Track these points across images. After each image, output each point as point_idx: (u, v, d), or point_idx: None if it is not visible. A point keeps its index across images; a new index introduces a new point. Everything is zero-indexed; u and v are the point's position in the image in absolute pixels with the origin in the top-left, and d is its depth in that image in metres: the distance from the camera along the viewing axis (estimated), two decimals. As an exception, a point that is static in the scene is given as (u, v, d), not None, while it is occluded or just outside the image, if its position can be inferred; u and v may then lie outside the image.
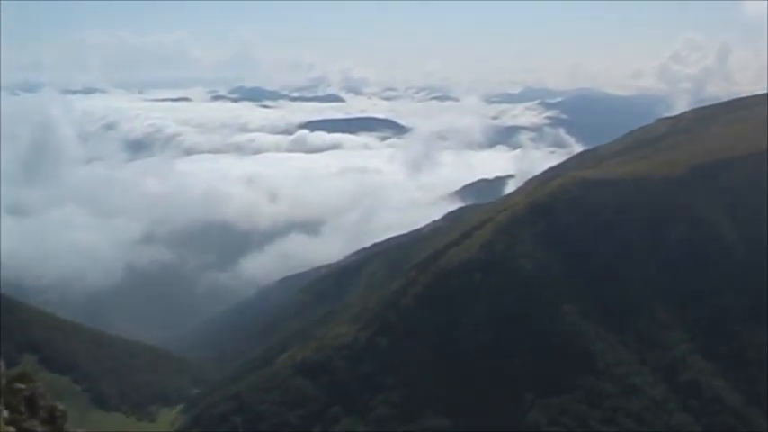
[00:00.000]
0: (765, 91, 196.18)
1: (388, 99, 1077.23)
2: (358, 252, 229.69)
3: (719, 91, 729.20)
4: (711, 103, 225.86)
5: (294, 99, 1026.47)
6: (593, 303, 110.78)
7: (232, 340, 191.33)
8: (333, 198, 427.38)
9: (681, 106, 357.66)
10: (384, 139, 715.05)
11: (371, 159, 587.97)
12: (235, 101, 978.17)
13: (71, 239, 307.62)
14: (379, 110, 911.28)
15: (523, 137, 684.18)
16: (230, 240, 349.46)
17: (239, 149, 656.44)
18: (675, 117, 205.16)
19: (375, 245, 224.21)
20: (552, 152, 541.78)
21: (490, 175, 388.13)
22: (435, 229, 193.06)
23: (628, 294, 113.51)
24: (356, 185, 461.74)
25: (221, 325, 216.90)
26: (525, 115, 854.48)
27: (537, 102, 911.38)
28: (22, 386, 21.39)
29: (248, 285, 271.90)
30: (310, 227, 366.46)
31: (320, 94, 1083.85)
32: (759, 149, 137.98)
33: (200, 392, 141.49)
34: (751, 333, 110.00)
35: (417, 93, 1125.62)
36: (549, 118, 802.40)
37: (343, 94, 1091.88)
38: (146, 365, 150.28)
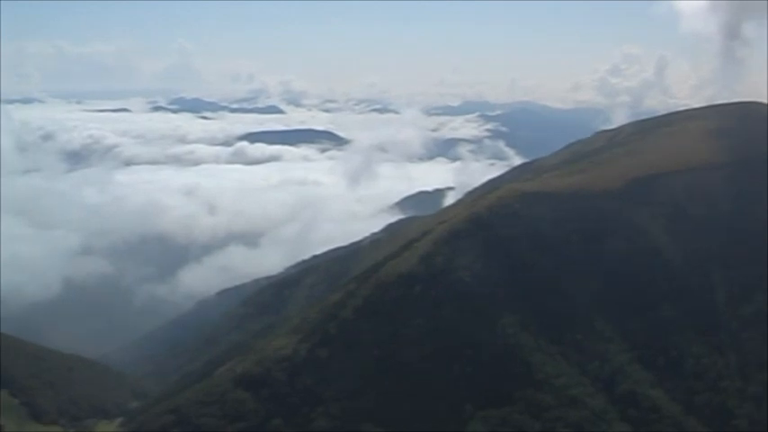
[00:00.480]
0: (703, 103, 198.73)
1: (327, 111, 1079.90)
2: (298, 264, 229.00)
3: (657, 104, 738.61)
4: (650, 115, 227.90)
5: (234, 110, 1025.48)
6: (533, 315, 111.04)
7: (171, 353, 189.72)
8: (272, 210, 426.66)
9: (619, 119, 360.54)
10: (324, 150, 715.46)
11: (311, 171, 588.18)
12: (174, 112, 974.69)
13: (8, 251, 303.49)
14: (319, 122, 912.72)
15: (463, 149, 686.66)
16: (169, 252, 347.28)
17: (178, 161, 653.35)
18: (614, 130, 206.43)
19: (315, 257, 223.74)
20: (492, 164, 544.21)
21: (430, 187, 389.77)
22: (375, 241, 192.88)
23: (567, 306, 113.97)
24: (296, 197, 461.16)
25: (160, 338, 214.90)
26: (465, 128, 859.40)
27: (476, 114, 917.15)
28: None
29: (187, 298, 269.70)
30: (250, 239, 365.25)
31: (260, 105, 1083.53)
32: (698, 162, 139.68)
33: (139, 406, 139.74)
34: (689, 344, 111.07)
35: (357, 105, 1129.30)
36: (488, 130, 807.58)
37: (282, 106, 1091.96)
38: (84, 379, 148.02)
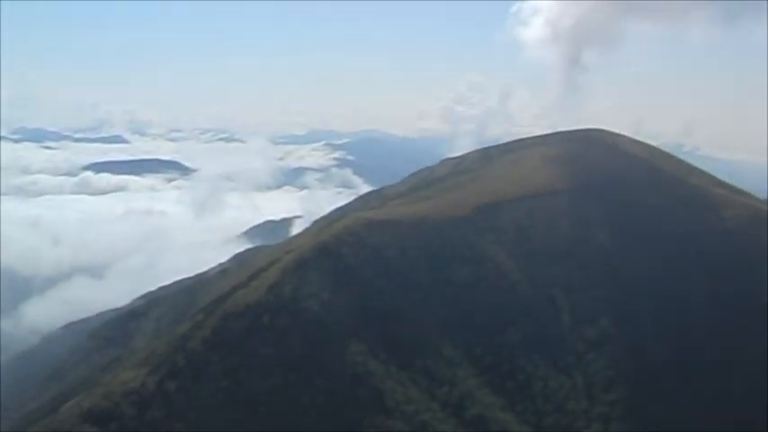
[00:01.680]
0: (545, 131, 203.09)
1: (173, 140, 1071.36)
2: (144, 296, 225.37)
3: (501, 131, 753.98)
4: (494, 143, 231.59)
5: (77, 140, 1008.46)
6: (382, 342, 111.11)
7: (16, 390, 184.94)
8: (118, 241, 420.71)
9: (464, 147, 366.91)
10: (170, 180, 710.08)
11: (157, 201, 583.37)
12: (16, 141, 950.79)
13: None
14: (165, 151, 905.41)
15: (310, 178, 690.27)
16: (12, 286, 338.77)
17: (21, 191, 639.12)
18: (459, 157, 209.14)
19: (161, 288, 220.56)
20: (339, 192, 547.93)
21: (277, 216, 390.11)
22: (222, 271, 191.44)
23: (415, 332, 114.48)
24: (142, 228, 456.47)
25: (4, 374, 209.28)
26: (312, 156, 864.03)
27: (323, 143, 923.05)
28: None
29: (31, 333, 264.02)
30: (95, 271, 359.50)
31: (104, 135, 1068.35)
32: (540, 188, 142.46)
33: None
34: (536, 367, 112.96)
35: (203, 134, 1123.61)
36: (335, 159, 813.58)
37: (127, 136, 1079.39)
38: None
